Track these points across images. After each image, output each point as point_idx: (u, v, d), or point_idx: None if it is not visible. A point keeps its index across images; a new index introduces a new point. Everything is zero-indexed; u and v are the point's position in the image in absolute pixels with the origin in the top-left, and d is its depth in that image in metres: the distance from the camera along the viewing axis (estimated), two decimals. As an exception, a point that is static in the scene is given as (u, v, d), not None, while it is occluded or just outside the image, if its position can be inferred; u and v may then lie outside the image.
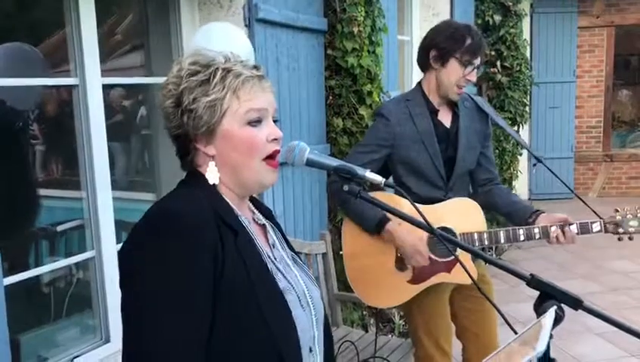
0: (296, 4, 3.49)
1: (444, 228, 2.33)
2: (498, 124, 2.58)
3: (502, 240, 2.31)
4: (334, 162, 1.30)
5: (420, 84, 2.48)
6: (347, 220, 2.47)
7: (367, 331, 3.52)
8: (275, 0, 3.34)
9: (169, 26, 3.16)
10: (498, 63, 6.94)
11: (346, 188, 1.29)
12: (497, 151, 6.60)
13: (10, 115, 3.19)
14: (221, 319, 1.11)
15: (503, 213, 2.49)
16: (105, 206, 2.75)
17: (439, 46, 2.34)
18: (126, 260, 1.14)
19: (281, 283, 1.22)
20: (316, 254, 3.23)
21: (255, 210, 1.37)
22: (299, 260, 1.40)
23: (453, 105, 2.47)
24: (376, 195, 2.38)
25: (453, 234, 2.34)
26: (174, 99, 1.20)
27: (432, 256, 2.36)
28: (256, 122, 1.22)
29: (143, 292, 1.09)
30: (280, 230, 1.42)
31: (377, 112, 2.49)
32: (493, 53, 6.89)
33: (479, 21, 6.89)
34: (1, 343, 1.93)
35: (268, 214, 1.41)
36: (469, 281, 2.30)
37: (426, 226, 1.29)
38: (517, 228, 2.30)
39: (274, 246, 1.32)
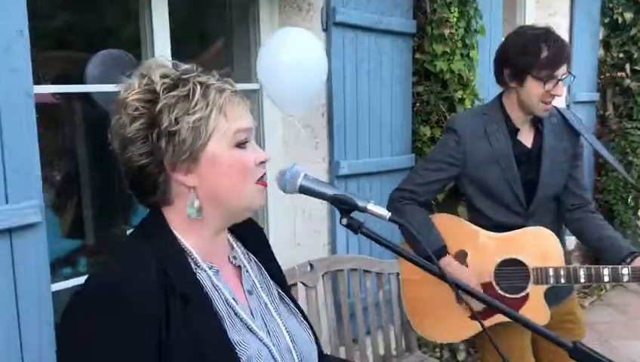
0: (380, 6, 3.30)
1: (514, 261, 2.06)
2: (592, 145, 2.23)
3: (582, 279, 1.99)
4: (332, 190, 1.14)
5: (500, 97, 2.20)
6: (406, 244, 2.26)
7: (441, 358, 3.26)
8: (356, 2, 3.18)
9: (248, 31, 3.11)
10: (627, 67, 6.22)
11: (344, 221, 1.12)
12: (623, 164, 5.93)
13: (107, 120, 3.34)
14: None
15: (593, 246, 2.14)
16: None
17: (512, 63, 2.05)
18: (60, 338, 1.02)
19: (251, 346, 1.06)
20: (389, 274, 3.03)
21: (235, 244, 1.21)
22: (286, 299, 1.24)
23: (536, 122, 2.17)
24: (441, 218, 2.21)
25: (524, 267, 2.05)
26: (146, 119, 1.03)
27: (500, 291, 2.09)
28: (243, 144, 1.09)
29: None
30: (270, 260, 1.27)
31: (448, 125, 2.25)
32: (621, 55, 6.20)
33: (606, 20, 6.22)
34: (44, 324, 1.96)
35: (256, 242, 1.25)
36: (542, 322, 2.01)
37: (433, 269, 1.08)
38: (601, 266, 1.96)
39: (251, 293, 1.16)
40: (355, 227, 1.11)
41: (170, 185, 1.07)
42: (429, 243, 2.12)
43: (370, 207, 1.10)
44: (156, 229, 1.07)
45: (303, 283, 2.68)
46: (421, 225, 2.16)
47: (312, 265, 2.73)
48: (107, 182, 3.54)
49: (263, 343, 1.08)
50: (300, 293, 2.67)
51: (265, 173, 1.12)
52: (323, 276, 2.78)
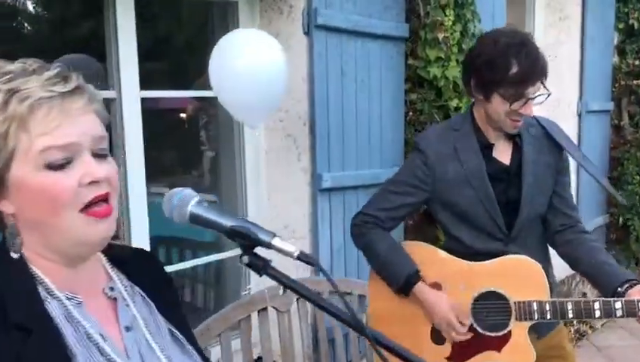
0: (367, 9, 3.09)
1: (493, 293, 1.82)
2: (576, 161, 1.98)
3: (570, 314, 1.74)
4: (229, 221, 0.92)
5: (471, 109, 1.97)
6: (373, 277, 2.03)
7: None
8: (341, 4, 2.97)
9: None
10: (644, 75, 5.93)
11: (245, 259, 0.91)
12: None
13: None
14: None
15: (586, 272, 1.89)
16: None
17: (477, 75, 1.82)
18: None
19: None
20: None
21: (116, 275, 1.03)
22: (180, 337, 1.06)
23: (513, 135, 1.93)
24: (411, 247, 1.96)
25: (505, 300, 1.81)
26: None
27: (478, 329, 1.85)
28: (60, 166, 0.87)
29: None
30: (163, 295, 1.08)
31: (415, 144, 2.02)
32: (637, 62, 5.91)
33: (621, 25, 5.94)
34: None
35: (145, 275, 1.07)
36: (529, 362, 1.76)
37: (353, 323, 0.86)
38: (591, 300, 1.72)
39: (129, 329, 0.98)
40: (258, 266, 0.90)
41: None
42: (399, 269, 1.90)
43: (276, 242, 0.90)
44: (3, 257, 0.92)
45: (274, 308, 2.46)
46: (389, 249, 1.93)
47: (285, 288, 2.51)
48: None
49: None
50: (271, 318, 2.45)
51: (101, 196, 0.90)
52: (297, 299, 2.56)
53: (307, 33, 2.87)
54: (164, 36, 3.25)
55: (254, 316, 2.35)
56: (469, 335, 1.83)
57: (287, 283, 0.90)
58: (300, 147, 2.96)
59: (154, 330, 1.02)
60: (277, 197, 3.04)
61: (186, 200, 0.93)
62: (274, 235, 0.90)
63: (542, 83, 1.78)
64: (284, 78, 2.31)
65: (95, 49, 2.64)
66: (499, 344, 1.83)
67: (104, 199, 0.90)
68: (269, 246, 0.90)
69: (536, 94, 1.78)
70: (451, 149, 1.90)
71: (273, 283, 2.58)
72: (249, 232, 0.90)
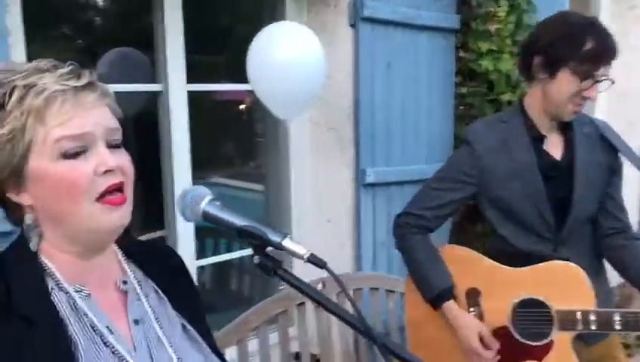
0: (416, 0, 3.01)
1: (534, 301, 1.74)
2: (633, 164, 1.85)
3: (617, 327, 1.63)
4: (241, 221, 0.91)
5: (521, 101, 1.88)
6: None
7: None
8: (389, -5, 2.91)
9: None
10: None
11: (256, 259, 0.89)
12: None
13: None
14: None
15: (634, 280, 1.78)
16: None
17: (547, 50, 1.73)
18: None
19: None
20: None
21: (129, 268, 1.04)
22: (193, 333, 1.06)
23: (566, 130, 1.83)
24: (450, 251, 1.90)
25: (546, 308, 1.72)
26: None
27: (518, 337, 1.77)
28: (75, 154, 0.90)
29: None
30: (181, 290, 1.09)
31: (463, 137, 1.94)
32: None
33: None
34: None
35: (161, 269, 1.07)
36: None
37: (361, 328, 0.83)
38: (640, 312, 1.61)
39: (137, 323, 0.99)
40: (269, 267, 0.88)
41: (11, 205, 0.94)
42: (433, 282, 1.85)
43: (286, 243, 0.87)
44: (17, 249, 0.95)
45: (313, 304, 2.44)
46: (427, 259, 1.88)
47: (324, 283, 2.49)
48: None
49: None
50: (309, 314, 2.44)
51: (115, 186, 0.92)
52: (337, 295, 2.53)
53: (353, 26, 2.83)
54: (212, 29, 3.27)
55: (292, 310, 2.35)
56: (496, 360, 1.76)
57: (296, 285, 0.88)
58: (343, 141, 2.93)
59: (165, 325, 1.03)
60: (320, 191, 3.02)
61: (199, 199, 0.93)
62: (285, 236, 0.88)
63: (608, 67, 1.70)
64: (321, 72, 2.27)
65: (144, 42, 2.69)
66: (540, 353, 1.74)
67: (119, 188, 0.92)
68: (279, 246, 0.88)
69: (603, 78, 1.69)
70: (500, 141, 1.82)
71: (313, 277, 2.57)
72: (259, 232, 0.88)
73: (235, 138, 4.34)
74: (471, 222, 2.12)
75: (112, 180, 0.91)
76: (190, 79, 2.62)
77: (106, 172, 0.90)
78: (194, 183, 3.82)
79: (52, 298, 0.92)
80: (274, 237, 0.88)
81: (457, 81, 3.29)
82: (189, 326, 1.06)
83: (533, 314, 1.76)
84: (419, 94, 3.10)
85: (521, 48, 1.87)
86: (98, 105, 0.92)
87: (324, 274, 2.47)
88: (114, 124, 0.95)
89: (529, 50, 1.80)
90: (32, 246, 0.93)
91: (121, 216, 0.93)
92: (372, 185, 2.94)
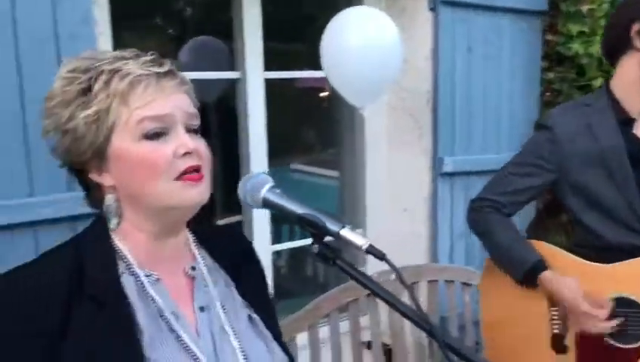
0: (500, -19, 2.87)
1: (624, 300, 1.62)
2: None
3: None
4: (300, 209, 0.89)
5: (607, 83, 1.75)
6: (488, 271, 1.89)
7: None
8: (471, -23, 2.79)
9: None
10: None
11: (315, 248, 0.87)
12: None
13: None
14: None
15: None
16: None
17: None
18: None
19: None
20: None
21: (200, 254, 1.05)
22: (258, 323, 1.06)
23: None
24: (536, 246, 1.78)
25: (638, 308, 1.60)
26: (50, 118, 0.96)
27: (609, 339, 1.66)
28: (156, 135, 0.93)
29: None
30: (251, 278, 1.10)
31: (540, 122, 1.84)
32: None
33: None
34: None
35: (230, 256, 1.08)
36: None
37: (423, 325, 0.80)
38: None
39: (203, 310, 1.01)
40: (328, 257, 0.86)
41: (93, 185, 0.99)
42: (523, 256, 1.76)
43: (345, 233, 0.85)
44: (93, 231, 0.99)
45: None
46: (511, 236, 1.80)
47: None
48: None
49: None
50: (381, 304, 2.41)
51: (193, 168, 0.94)
52: (412, 285, 2.49)
53: (433, 9, 2.74)
54: (291, 16, 3.28)
55: (363, 299, 2.33)
56: (614, 323, 1.64)
57: (355, 276, 0.85)
58: (421, 128, 2.86)
59: (230, 313, 1.03)
60: (396, 178, 2.97)
61: (260, 186, 0.93)
62: (343, 226, 0.86)
63: None
64: (396, 57, 2.21)
65: (225, 31, 2.74)
66: (633, 357, 1.62)
67: (196, 169, 0.95)
68: (337, 236, 0.86)
69: None
70: (583, 125, 1.71)
71: (386, 266, 2.53)
72: (318, 221, 0.86)
73: (313, 125, 4.37)
74: (551, 216, 2.01)
75: (190, 162, 0.94)
76: (270, 66, 2.64)
77: (185, 154, 0.93)
78: (271, 169, 3.89)
79: (122, 281, 0.95)
80: (332, 226, 0.86)
81: (544, 66, 3.11)
82: (254, 316, 1.06)
83: (623, 315, 1.64)
84: (501, 80, 2.97)
85: (613, 18, 1.73)
86: (178, 91, 0.96)
87: (402, 263, 2.43)
88: (192, 109, 0.98)
89: (624, 18, 1.66)
90: (112, 225, 0.97)
91: (199, 192, 0.95)
92: (450, 174, 2.85)
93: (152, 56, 0.97)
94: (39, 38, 1.86)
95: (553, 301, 1.76)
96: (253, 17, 2.56)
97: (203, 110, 1.02)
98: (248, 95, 2.61)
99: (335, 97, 3.10)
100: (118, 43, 2.21)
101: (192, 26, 3.40)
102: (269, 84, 2.64)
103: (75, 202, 1.93)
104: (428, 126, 2.84)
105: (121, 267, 0.96)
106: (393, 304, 0.86)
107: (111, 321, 0.90)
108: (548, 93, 3.13)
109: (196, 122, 0.98)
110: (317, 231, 0.87)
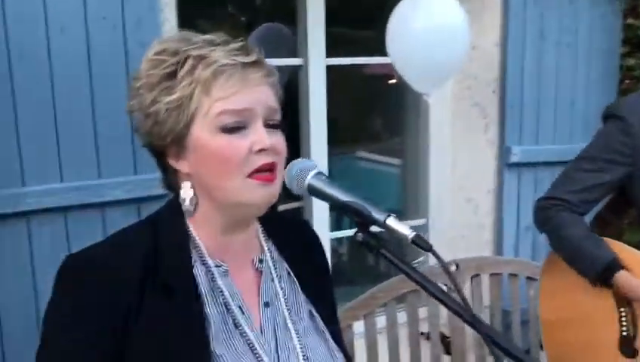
0: (578, -39, 2.72)
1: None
2: None
3: None
4: (345, 196, 0.87)
5: None
6: (549, 267, 1.81)
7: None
8: (544, -42, 2.66)
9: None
10: None
11: (359, 237, 0.85)
12: None
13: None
14: None
15: None
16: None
17: None
18: None
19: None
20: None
21: (267, 248, 1.04)
22: (318, 320, 1.04)
23: None
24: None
25: None
26: (135, 99, 0.94)
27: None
28: (233, 129, 0.90)
29: (41, 343, 0.92)
30: (315, 273, 1.08)
31: (610, 112, 1.73)
32: None
33: None
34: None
35: (296, 250, 1.07)
36: None
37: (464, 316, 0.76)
38: None
39: (267, 305, 0.99)
40: (372, 245, 0.84)
41: (171, 169, 0.97)
42: (595, 257, 1.67)
43: (390, 222, 0.82)
44: (170, 215, 0.98)
45: (444, 284, 2.35)
46: (583, 234, 1.71)
47: (457, 265, 2.39)
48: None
49: (259, 360, 0.94)
50: (440, 295, 2.36)
51: (268, 165, 0.92)
52: (472, 278, 2.42)
53: (504, -7, 2.64)
54: (356, 2, 3.24)
55: (422, 291, 2.28)
56: None
57: (400, 267, 0.83)
58: (487, 117, 2.77)
59: (293, 310, 1.02)
60: (461, 169, 2.89)
61: (305, 172, 0.92)
62: (389, 215, 0.84)
63: None
64: (464, 42, 2.14)
65: (291, 17, 2.74)
66: None
67: (270, 168, 0.92)
68: (382, 225, 0.84)
69: None
70: None
71: (459, 256, 2.45)
72: (363, 210, 0.84)
73: (381, 112, 4.32)
74: (617, 215, 1.89)
75: (266, 160, 0.91)
76: (337, 53, 2.62)
77: (261, 150, 0.91)
78: (337, 157, 3.89)
79: (195, 270, 0.94)
80: (378, 215, 0.83)
81: (623, 51, 2.94)
82: (315, 313, 1.05)
83: None
84: (576, 66, 2.82)
85: None
86: (262, 83, 0.93)
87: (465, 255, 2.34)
88: (274, 103, 0.95)
89: None
90: (187, 213, 0.96)
91: (270, 193, 0.93)
92: (517, 164, 2.75)
93: (241, 44, 0.93)
94: (108, 23, 1.93)
95: (621, 301, 1.67)
96: (315, 3, 2.54)
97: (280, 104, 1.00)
98: (310, 82, 2.60)
99: (402, 85, 3.06)
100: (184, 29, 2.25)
101: (259, 12, 3.42)
102: (336, 71, 2.64)
103: (141, 185, 2.01)
104: (494, 115, 2.75)
105: (194, 255, 0.96)
106: (438, 297, 0.83)
107: (181, 311, 0.89)
108: (627, 81, 2.96)
109: (277, 117, 0.95)
110: (362, 219, 0.85)
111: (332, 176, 3.09)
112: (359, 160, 5.28)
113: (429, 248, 0.82)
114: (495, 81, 2.72)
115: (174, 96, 0.90)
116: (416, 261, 2.83)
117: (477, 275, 2.45)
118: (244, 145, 0.90)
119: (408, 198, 3.15)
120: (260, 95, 0.92)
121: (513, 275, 2.52)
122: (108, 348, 0.87)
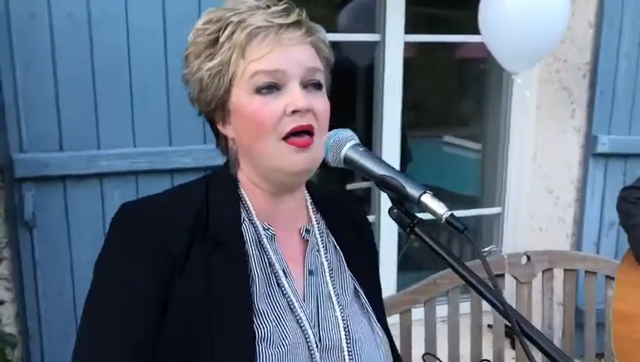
0: None
1: None
2: None
3: None
4: (382, 170, 0.83)
5: None
6: (627, 262, 1.68)
7: None
8: None
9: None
10: None
11: (393, 213, 0.81)
12: None
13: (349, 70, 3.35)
14: (168, 339, 0.89)
15: None
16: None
17: None
18: None
19: (279, 323, 0.91)
20: (644, 285, 2.35)
21: (315, 219, 1.03)
22: (363, 298, 1.02)
23: None
24: None
25: None
26: (189, 68, 0.96)
27: None
28: (267, 88, 0.89)
29: (91, 288, 0.94)
30: (362, 252, 1.06)
31: None
32: None
33: None
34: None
35: (345, 227, 1.05)
36: None
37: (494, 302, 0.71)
38: None
39: (311, 274, 0.98)
40: (405, 223, 0.79)
41: (221, 135, 0.98)
42: None
43: (425, 199, 0.77)
44: (223, 175, 0.99)
45: (513, 277, 2.24)
46: None
47: (529, 257, 2.27)
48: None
49: (299, 326, 0.93)
50: (508, 287, 2.26)
51: (302, 128, 0.89)
52: (544, 273, 2.29)
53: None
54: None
55: (487, 281, 2.19)
56: None
57: (434, 248, 0.78)
58: (575, 102, 2.59)
59: (338, 283, 1.01)
60: (543, 157, 2.74)
61: (342, 143, 0.88)
62: (425, 191, 0.78)
63: None
64: (562, 21, 2.02)
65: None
66: None
67: (307, 131, 0.90)
68: (416, 202, 0.79)
69: None
70: None
71: (527, 248, 2.33)
72: (398, 184, 0.80)
73: (469, 96, 4.18)
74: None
75: (300, 122, 0.89)
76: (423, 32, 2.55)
77: (295, 112, 0.89)
78: (417, 140, 3.80)
79: (242, 228, 0.95)
80: (413, 190, 0.78)
81: None
82: (359, 289, 1.03)
83: None
84: (682, 51, 2.58)
85: None
86: (299, 43, 0.91)
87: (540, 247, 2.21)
88: (313, 63, 0.93)
89: None
90: (232, 170, 0.98)
91: (305, 158, 0.91)
92: (605, 155, 2.56)
93: (283, 6, 0.93)
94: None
95: None
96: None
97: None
98: (386, 58, 2.54)
99: (489, 68, 2.93)
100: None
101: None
102: (426, 53, 2.56)
103: (208, 154, 2.05)
104: (583, 101, 2.57)
105: (244, 214, 0.97)
106: (473, 283, 0.78)
107: (227, 264, 0.91)
108: None
109: (317, 77, 0.93)
110: (396, 194, 0.80)
111: (413, 160, 3.03)
112: (444, 144, 5.14)
113: (462, 230, 0.76)
114: (586, 64, 2.53)
115: (215, 62, 0.91)
116: (485, 249, 2.71)
117: (549, 269, 2.32)
118: (278, 107, 0.89)
119: (485, 185, 3.03)
120: (295, 55, 0.90)
121: (591, 273, 2.36)
122: (154, 298, 0.88)
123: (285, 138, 0.89)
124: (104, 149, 1.98)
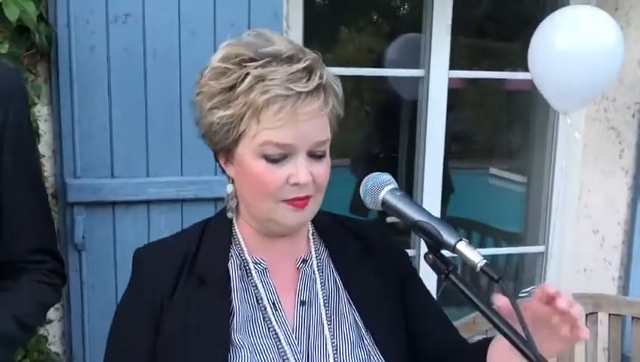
0: None
1: None
2: None
3: None
4: (418, 215, 0.84)
5: None
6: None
7: None
8: None
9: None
10: None
11: (429, 258, 0.83)
12: None
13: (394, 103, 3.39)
14: None
15: None
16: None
17: None
18: None
19: (258, 353, 0.95)
20: None
21: (314, 250, 1.05)
22: (363, 330, 1.02)
23: None
24: None
25: None
26: (201, 99, 1.00)
27: None
28: (275, 160, 0.93)
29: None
30: (373, 278, 1.05)
31: None
32: None
33: None
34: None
35: (352, 261, 1.05)
36: None
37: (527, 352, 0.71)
38: None
39: (304, 304, 1.00)
40: (441, 269, 0.80)
41: (223, 169, 1.04)
42: None
43: (460, 246, 0.78)
44: (222, 214, 1.06)
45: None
46: None
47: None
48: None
49: (282, 359, 0.96)
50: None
51: (300, 199, 0.95)
52: (588, 316, 2.23)
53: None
54: (484, 15, 3.13)
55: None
56: None
57: (469, 296, 0.78)
58: (623, 142, 2.54)
59: (333, 313, 1.01)
60: (589, 197, 2.68)
61: (380, 186, 0.91)
62: (460, 239, 0.79)
63: None
64: (615, 62, 2.00)
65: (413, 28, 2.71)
66: None
67: (297, 201, 0.96)
68: (452, 249, 0.80)
69: None
70: None
71: (571, 290, 2.30)
72: (433, 230, 0.81)
73: (515, 129, 4.16)
74: None
75: (299, 193, 0.94)
76: (473, 66, 2.55)
77: (294, 185, 0.94)
78: (463, 171, 3.78)
79: (229, 264, 1.00)
80: (449, 238, 0.80)
81: None
82: (359, 321, 1.02)
83: None
84: None
85: None
86: (314, 116, 0.93)
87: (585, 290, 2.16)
88: (323, 136, 0.95)
89: None
90: (229, 214, 1.03)
91: (299, 217, 0.97)
92: (654, 197, 2.49)
93: (305, 64, 0.92)
94: (235, 30, 2.02)
95: None
96: (442, 14, 2.48)
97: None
98: (430, 94, 2.55)
99: (536, 102, 2.90)
100: (308, 40, 2.30)
101: (395, 23, 3.43)
102: (475, 86, 2.57)
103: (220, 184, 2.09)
104: (632, 141, 2.51)
105: (233, 251, 1.02)
106: (504, 331, 0.77)
107: (208, 298, 0.97)
108: None
109: (323, 148, 0.96)
110: (432, 240, 0.82)
111: (455, 191, 3.00)
112: (490, 176, 5.07)
113: (497, 279, 0.76)
114: (636, 104, 2.48)
115: (228, 112, 0.93)
116: (526, 290, 2.66)
117: (594, 313, 2.25)
118: (282, 176, 0.93)
119: (529, 221, 2.98)
120: (308, 130, 0.92)
121: (638, 319, 2.29)
122: (153, 326, 0.97)
123: (283, 200, 0.94)
124: (152, 177, 2.05)
